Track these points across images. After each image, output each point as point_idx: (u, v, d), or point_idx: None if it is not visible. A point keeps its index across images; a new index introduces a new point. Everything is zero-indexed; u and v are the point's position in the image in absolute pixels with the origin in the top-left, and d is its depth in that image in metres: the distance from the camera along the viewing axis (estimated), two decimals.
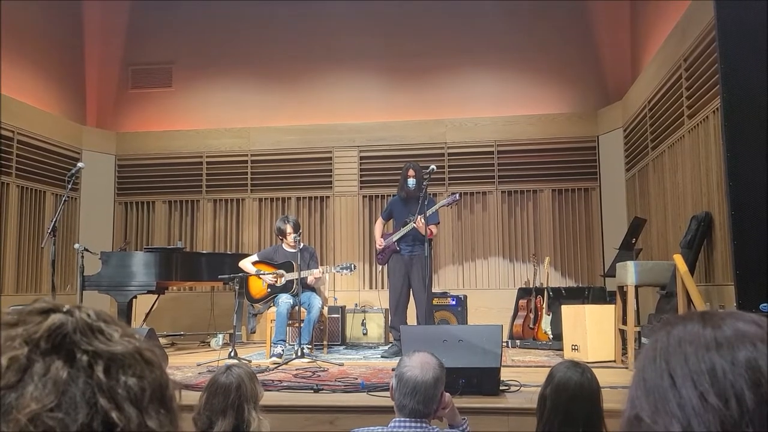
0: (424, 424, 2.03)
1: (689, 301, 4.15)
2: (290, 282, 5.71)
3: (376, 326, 6.97)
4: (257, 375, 2.40)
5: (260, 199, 8.01)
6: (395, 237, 5.72)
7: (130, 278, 6.00)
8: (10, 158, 6.72)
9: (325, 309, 6.23)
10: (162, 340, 6.27)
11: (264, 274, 5.80)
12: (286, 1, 8.07)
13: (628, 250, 5.62)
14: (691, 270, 4.46)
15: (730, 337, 0.59)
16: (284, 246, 5.97)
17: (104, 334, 0.56)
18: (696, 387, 0.57)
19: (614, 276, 5.16)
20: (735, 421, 0.55)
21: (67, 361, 0.53)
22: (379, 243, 5.85)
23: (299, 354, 5.21)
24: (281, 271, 5.79)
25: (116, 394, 0.53)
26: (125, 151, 8.24)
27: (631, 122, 6.82)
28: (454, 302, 6.76)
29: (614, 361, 4.86)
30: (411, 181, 5.77)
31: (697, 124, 4.94)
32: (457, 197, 5.91)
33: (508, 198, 7.66)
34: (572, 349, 5.11)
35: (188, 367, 4.94)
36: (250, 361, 4.89)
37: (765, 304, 2.93)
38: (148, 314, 6.80)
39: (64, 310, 0.57)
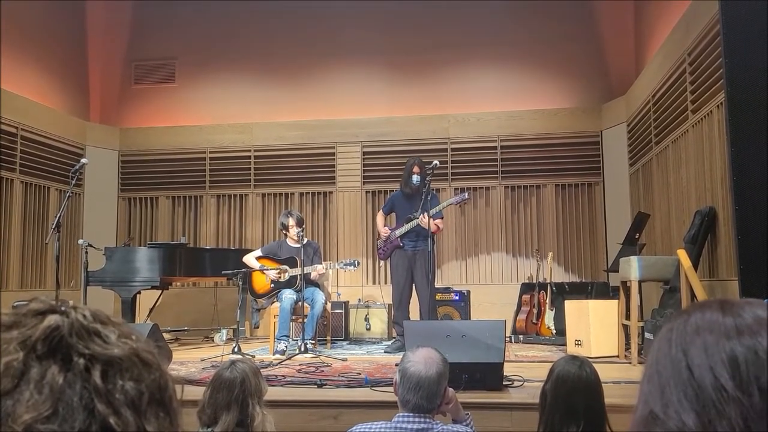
0: (427, 420, 2.03)
1: (693, 296, 4.15)
2: (294, 277, 5.71)
3: (379, 321, 6.98)
4: (261, 370, 2.41)
5: (263, 195, 8.02)
6: (399, 232, 5.71)
7: (134, 274, 6.01)
8: (14, 154, 6.73)
9: (329, 304, 6.23)
10: (166, 336, 6.28)
11: (268, 269, 5.81)
12: None
13: (631, 245, 5.61)
14: (695, 265, 4.46)
15: (751, 324, 0.57)
16: (288, 241, 5.97)
17: (101, 336, 0.55)
18: (716, 378, 0.55)
19: (618, 271, 5.16)
20: (758, 414, 0.53)
21: (63, 365, 0.52)
22: (384, 231, 5.82)
23: (303, 349, 5.23)
24: (285, 267, 5.80)
25: (114, 398, 0.52)
26: (128, 146, 8.25)
27: (635, 117, 6.80)
28: (457, 297, 6.77)
29: (617, 357, 4.86)
30: (415, 178, 5.74)
31: (701, 119, 4.92)
32: (466, 197, 5.86)
33: (511, 193, 7.65)
34: (575, 344, 5.10)
35: (192, 362, 4.95)
36: (253, 357, 4.90)
37: None
38: (152, 310, 6.82)
39: (61, 310, 0.56)
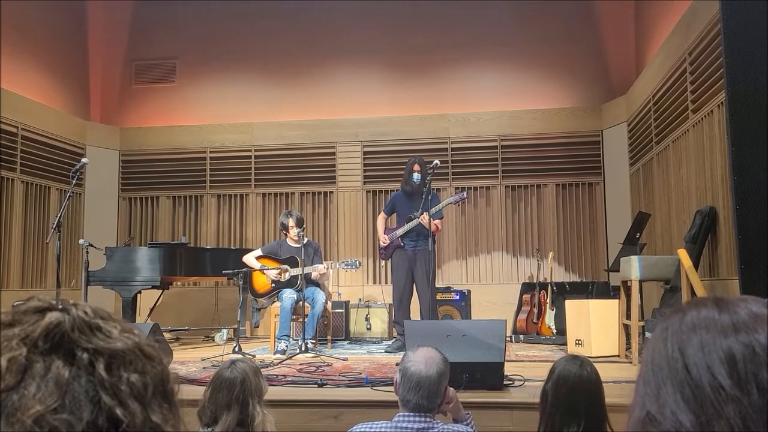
0: (428, 419, 2.03)
1: (693, 295, 4.15)
2: (294, 277, 5.71)
3: (379, 321, 6.97)
4: (261, 370, 2.41)
5: (264, 195, 8.02)
6: (399, 232, 5.71)
7: (135, 273, 6.02)
8: (14, 154, 6.73)
9: (329, 304, 6.23)
10: (166, 335, 6.28)
11: (268, 269, 5.81)
12: None
13: (632, 244, 5.61)
14: (696, 264, 4.46)
15: (747, 320, 0.57)
16: (288, 241, 5.97)
17: (103, 331, 0.56)
18: (714, 377, 0.54)
19: (618, 271, 5.16)
20: (757, 413, 0.52)
21: (67, 360, 0.53)
22: (383, 240, 5.83)
23: (303, 349, 5.22)
24: (285, 267, 5.80)
25: (119, 390, 0.53)
26: (129, 146, 8.25)
27: (636, 117, 6.80)
28: (457, 297, 6.77)
29: (618, 356, 4.86)
30: (416, 176, 5.75)
31: (702, 119, 4.92)
32: (465, 196, 5.88)
33: (511, 193, 7.65)
34: (576, 343, 5.10)
35: (192, 362, 4.95)
36: (254, 356, 4.89)
37: None
38: (152, 309, 6.83)
39: (60, 307, 0.56)
